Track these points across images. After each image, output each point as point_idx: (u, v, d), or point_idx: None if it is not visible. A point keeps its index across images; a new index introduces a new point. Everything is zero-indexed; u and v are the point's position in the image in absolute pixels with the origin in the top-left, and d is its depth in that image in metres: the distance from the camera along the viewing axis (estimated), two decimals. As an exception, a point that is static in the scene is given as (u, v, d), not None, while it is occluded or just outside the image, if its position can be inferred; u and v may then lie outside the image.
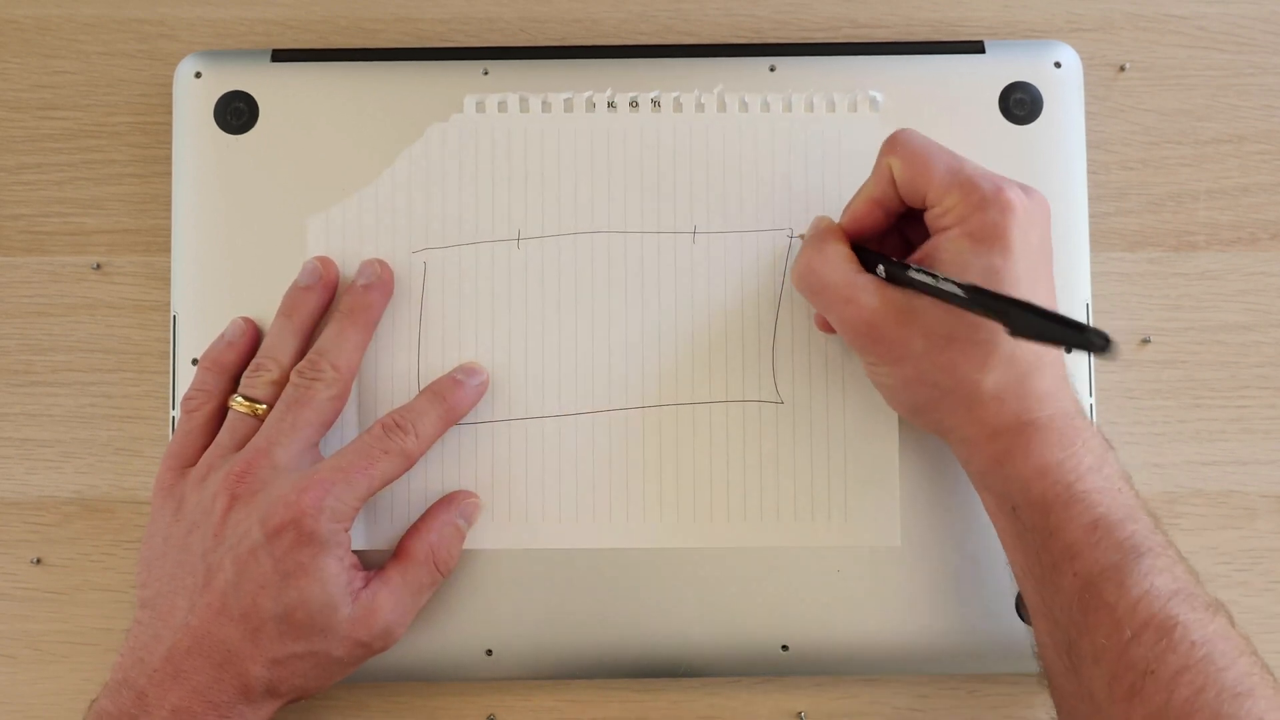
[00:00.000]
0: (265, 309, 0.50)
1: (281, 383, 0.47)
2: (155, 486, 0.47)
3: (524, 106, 0.50)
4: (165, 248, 0.51)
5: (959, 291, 0.40)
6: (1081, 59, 0.52)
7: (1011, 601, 0.49)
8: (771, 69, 0.51)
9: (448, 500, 0.48)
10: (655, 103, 0.50)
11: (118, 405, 0.52)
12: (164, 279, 0.51)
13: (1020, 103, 0.51)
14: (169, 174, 0.51)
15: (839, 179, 0.50)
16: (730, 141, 0.50)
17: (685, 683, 0.50)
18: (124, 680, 0.44)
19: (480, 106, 0.50)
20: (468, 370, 0.49)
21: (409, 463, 0.46)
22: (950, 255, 0.42)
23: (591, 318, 0.50)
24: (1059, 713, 0.43)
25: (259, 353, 0.48)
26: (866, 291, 0.43)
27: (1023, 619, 0.49)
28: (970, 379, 0.42)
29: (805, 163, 0.50)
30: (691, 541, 0.49)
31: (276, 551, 0.43)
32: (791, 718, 0.50)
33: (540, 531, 0.49)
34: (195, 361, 0.49)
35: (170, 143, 0.51)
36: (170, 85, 0.51)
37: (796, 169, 0.50)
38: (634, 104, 0.50)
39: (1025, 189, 0.43)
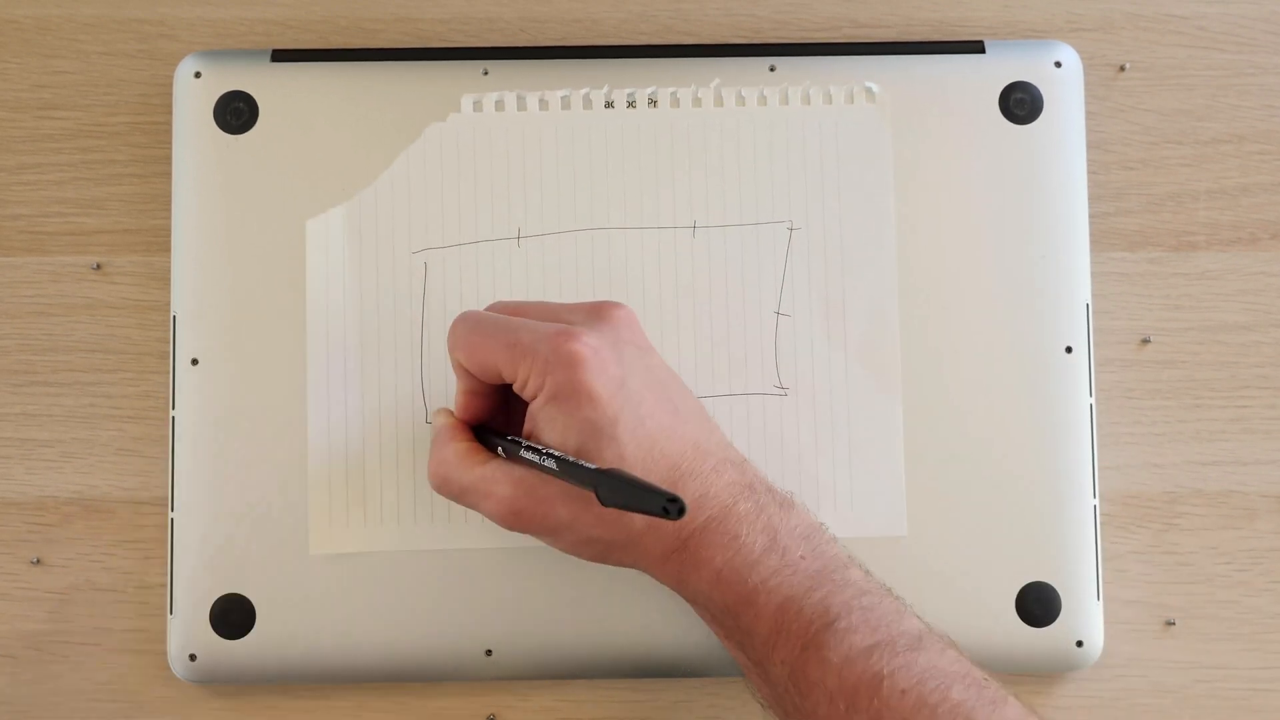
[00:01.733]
0: (265, 309, 0.50)
1: None
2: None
3: (522, 105, 0.50)
4: (165, 248, 0.51)
5: (553, 466, 0.41)
6: (1082, 59, 0.52)
7: (1012, 601, 0.49)
8: (771, 69, 0.51)
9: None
10: (652, 100, 0.50)
11: (118, 405, 0.52)
12: (164, 279, 0.51)
13: (1020, 102, 0.51)
14: (169, 174, 0.51)
15: (837, 171, 0.50)
16: (728, 136, 0.50)
17: (685, 683, 0.50)
18: None
19: (478, 106, 0.50)
20: None
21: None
22: (545, 422, 0.42)
23: None
24: None
25: None
26: (497, 482, 0.43)
27: (1022, 619, 0.49)
28: (620, 524, 0.42)
29: (803, 155, 0.50)
30: None
31: None
32: None
33: None
34: (195, 362, 0.49)
35: (170, 143, 0.51)
36: (170, 85, 0.51)
37: (795, 162, 0.50)
38: (631, 101, 0.50)
39: (594, 317, 0.43)
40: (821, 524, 0.43)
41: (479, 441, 0.45)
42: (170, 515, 0.49)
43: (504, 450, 0.43)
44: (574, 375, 0.41)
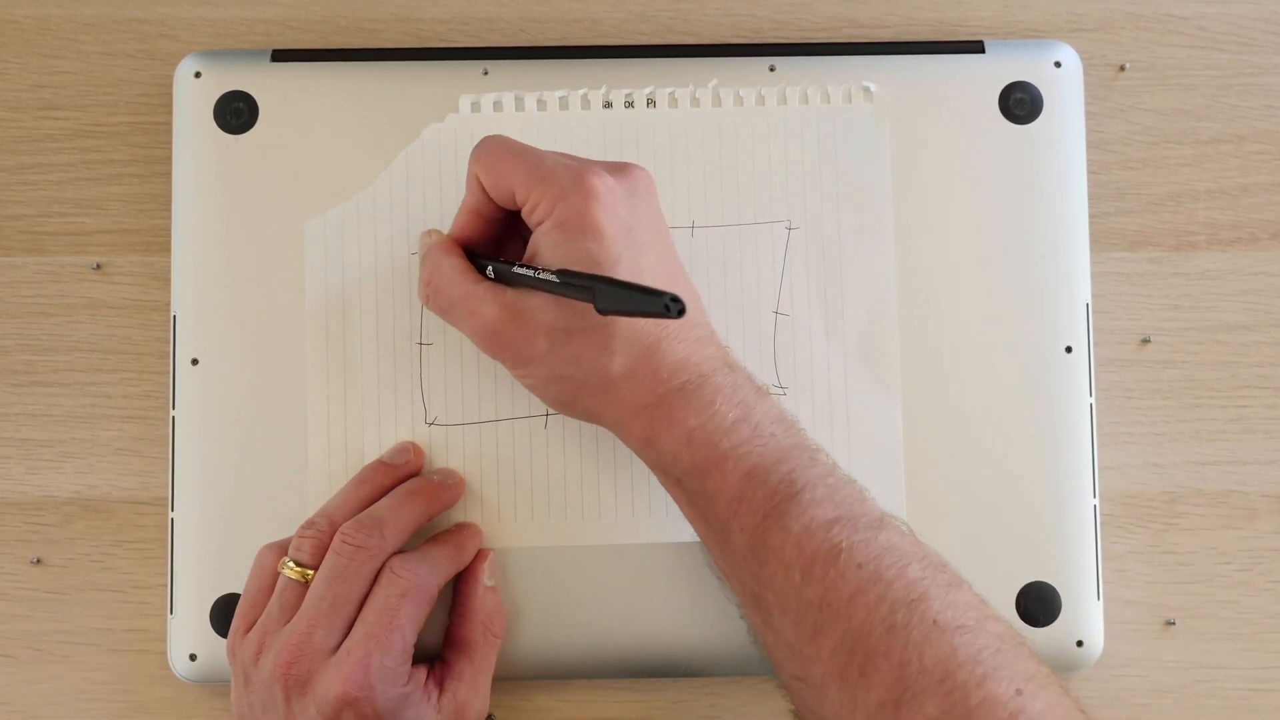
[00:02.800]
0: (265, 309, 0.50)
1: (327, 545, 0.45)
2: (227, 645, 0.46)
3: (520, 106, 0.50)
4: (165, 248, 0.51)
5: (552, 278, 0.41)
6: (1081, 59, 0.52)
7: (1012, 601, 0.49)
8: (771, 69, 0.51)
9: (471, 571, 0.48)
10: (650, 100, 0.50)
11: (118, 405, 0.52)
12: (164, 279, 0.51)
13: (1020, 102, 0.51)
14: (169, 174, 0.51)
15: (835, 170, 0.50)
16: (726, 136, 0.50)
17: (685, 683, 0.50)
18: None
19: (476, 106, 0.50)
20: (445, 473, 0.49)
21: (430, 598, 0.45)
22: (548, 248, 0.43)
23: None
24: (772, 667, 0.43)
25: (316, 512, 0.47)
26: (485, 301, 0.44)
27: (1022, 619, 0.49)
28: (598, 365, 0.43)
29: (801, 155, 0.50)
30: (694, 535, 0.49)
31: None
32: (792, 718, 0.50)
33: (543, 528, 0.49)
34: (195, 362, 0.49)
35: (170, 143, 0.51)
36: (170, 85, 0.51)
37: (793, 161, 0.50)
38: (629, 102, 0.50)
39: (616, 169, 0.44)
40: (790, 415, 0.44)
41: (471, 263, 0.46)
42: (170, 515, 0.49)
43: (495, 272, 0.44)
44: (586, 206, 0.42)
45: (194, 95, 0.51)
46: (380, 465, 0.48)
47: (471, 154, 0.45)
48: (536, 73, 0.51)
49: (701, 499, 0.43)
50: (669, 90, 0.50)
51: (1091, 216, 0.51)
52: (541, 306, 0.43)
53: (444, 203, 0.50)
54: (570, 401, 0.45)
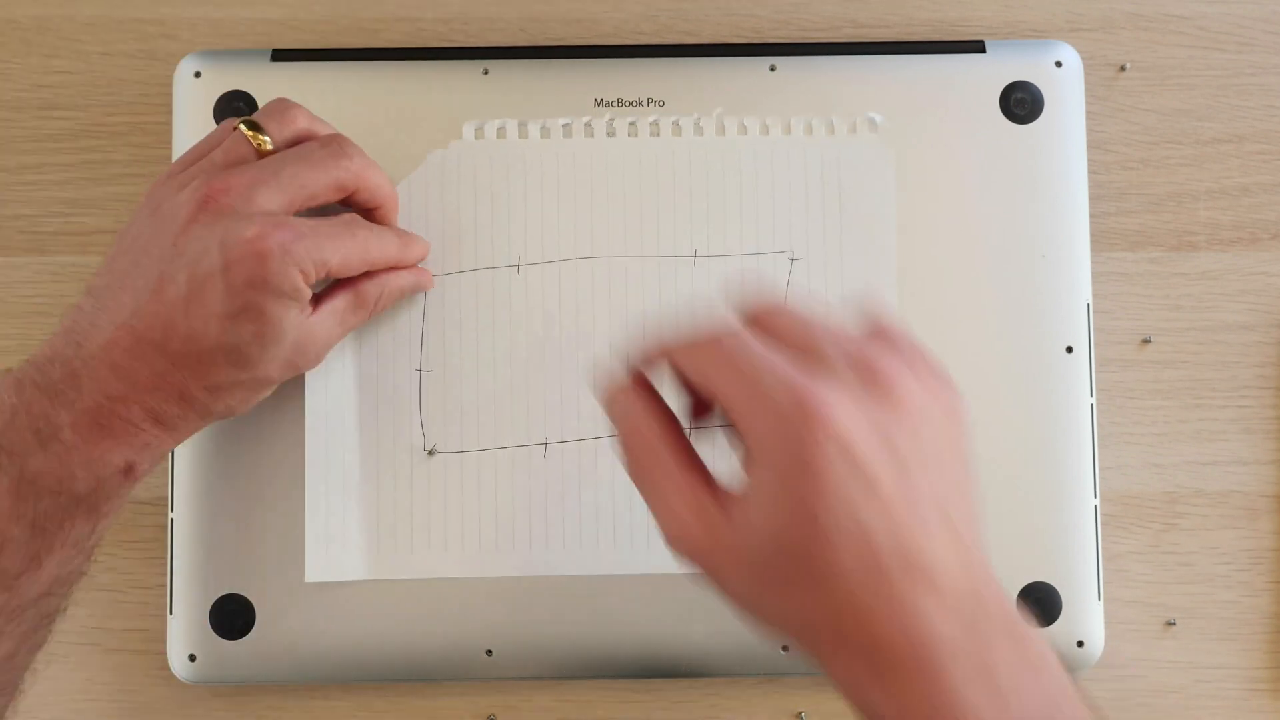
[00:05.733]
0: (265, 309, 0.50)
1: (301, 139, 0.45)
2: (152, 186, 0.44)
3: (523, 133, 0.50)
4: (165, 248, 0.51)
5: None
6: (1082, 59, 0.51)
7: (1012, 601, 0.49)
8: (772, 69, 0.51)
9: (410, 266, 0.48)
10: (654, 126, 0.50)
11: (118, 405, 0.52)
12: (164, 279, 0.51)
13: (1021, 102, 0.51)
14: (169, 174, 0.51)
15: (839, 202, 0.50)
16: (729, 165, 0.50)
17: (685, 683, 0.50)
18: (54, 356, 0.41)
19: (479, 133, 0.50)
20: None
21: (366, 262, 0.45)
22: (754, 497, 0.34)
23: (593, 342, 0.49)
24: None
25: (296, 107, 0.45)
26: (684, 506, 0.36)
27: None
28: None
29: (805, 186, 0.50)
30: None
31: (233, 284, 0.40)
32: (791, 718, 0.50)
33: (538, 559, 0.49)
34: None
35: (170, 143, 0.51)
36: (170, 85, 0.51)
37: (796, 192, 0.50)
38: (633, 129, 0.50)
39: (870, 370, 0.35)
40: (1053, 655, 0.35)
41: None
42: (170, 515, 0.49)
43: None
44: (804, 445, 0.34)
45: (194, 95, 0.51)
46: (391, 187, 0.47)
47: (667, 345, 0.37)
48: (536, 72, 0.51)
49: None
50: (673, 119, 0.50)
51: (1092, 216, 0.51)
52: (750, 542, 0.34)
53: (445, 231, 0.50)
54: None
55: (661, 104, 0.51)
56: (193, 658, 0.49)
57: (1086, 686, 0.50)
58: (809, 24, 0.54)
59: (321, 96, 0.50)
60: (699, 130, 0.50)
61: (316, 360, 0.46)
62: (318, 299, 0.45)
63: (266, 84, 0.51)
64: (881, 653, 0.33)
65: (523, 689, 0.50)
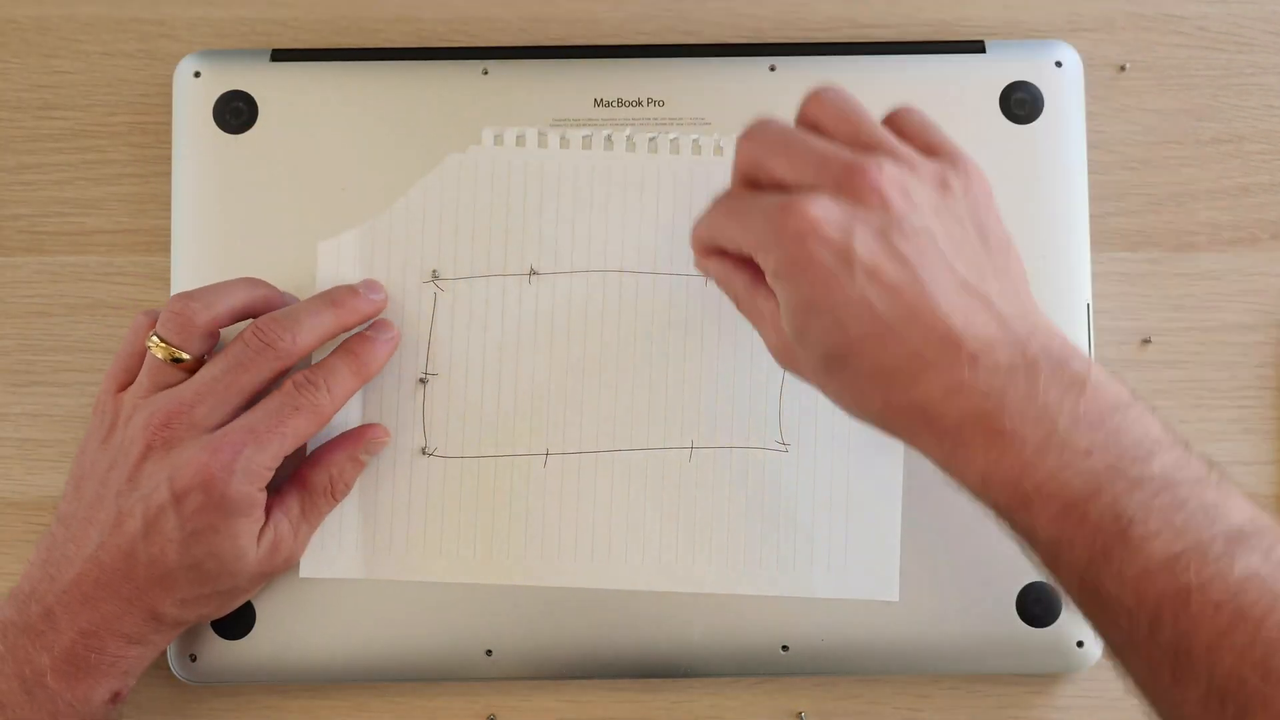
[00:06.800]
0: (265, 309, 0.50)
1: (210, 335, 0.46)
2: (95, 402, 0.47)
3: (542, 142, 0.50)
4: (165, 248, 0.51)
5: None
6: (1082, 59, 0.52)
7: (1012, 601, 0.49)
8: (772, 69, 0.51)
9: (355, 435, 0.48)
10: (674, 144, 0.50)
11: (118, 405, 0.52)
12: (164, 279, 0.51)
13: (1021, 102, 0.51)
14: (169, 174, 0.51)
15: None
16: None
17: (685, 683, 0.50)
18: (32, 593, 0.44)
19: (499, 140, 0.50)
20: (380, 326, 0.48)
21: (322, 420, 0.46)
22: (782, 304, 0.40)
23: (600, 357, 0.49)
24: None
25: (200, 292, 0.46)
26: (766, 323, 0.43)
27: (1022, 619, 0.49)
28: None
29: None
30: (688, 586, 0.48)
31: (184, 512, 0.43)
32: (791, 718, 0.50)
33: (535, 570, 0.49)
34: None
35: (170, 143, 0.51)
36: (170, 85, 0.51)
37: None
38: (653, 145, 0.50)
39: (851, 178, 0.39)
40: (1130, 397, 0.37)
41: None
42: (170, 515, 0.49)
43: None
44: (796, 249, 0.39)
45: (194, 95, 0.51)
46: (340, 290, 0.48)
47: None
48: (537, 72, 0.51)
49: (1020, 538, 0.38)
50: (693, 138, 0.50)
51: (1092, 216, 0.51)
52: (797, 348, 0.40)
53: (459, 234, 0.50)
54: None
55: (661, 104, 0.51)
56: (193, 658, 0.49)
57: (1086, 680, 0.50)
58: (809, 24, 0.54)
59: (321, 96, 0.50)
60: (719, 150, 0.50)
61: (290, 559, 0.47)
62: (270, 506, 0.46)
63: (266, 84, 0.51)
64: (940, 424, 0.37)
65: (523, 689, 0.50)
